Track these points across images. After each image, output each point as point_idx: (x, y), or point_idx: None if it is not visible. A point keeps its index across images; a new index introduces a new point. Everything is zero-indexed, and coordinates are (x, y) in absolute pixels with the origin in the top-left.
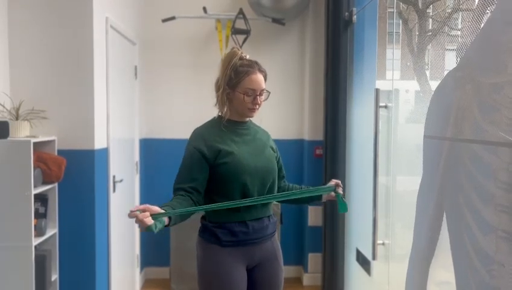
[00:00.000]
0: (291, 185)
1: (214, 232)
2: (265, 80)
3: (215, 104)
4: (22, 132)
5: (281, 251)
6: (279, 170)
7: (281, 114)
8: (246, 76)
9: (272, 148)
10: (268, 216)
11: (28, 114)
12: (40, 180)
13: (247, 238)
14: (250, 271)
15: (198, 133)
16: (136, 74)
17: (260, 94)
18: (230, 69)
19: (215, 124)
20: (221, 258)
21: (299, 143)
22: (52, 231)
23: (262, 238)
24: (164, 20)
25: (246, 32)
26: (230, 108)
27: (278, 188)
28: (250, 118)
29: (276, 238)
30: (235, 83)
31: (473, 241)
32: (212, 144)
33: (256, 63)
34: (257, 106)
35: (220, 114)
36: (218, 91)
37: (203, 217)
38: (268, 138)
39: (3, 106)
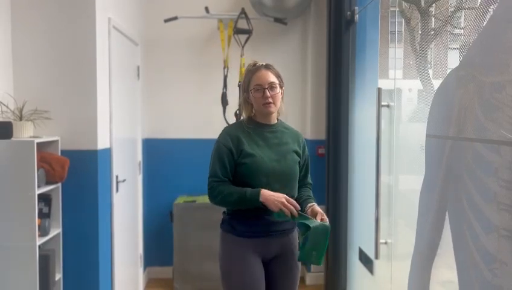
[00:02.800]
0: (303, 196)
1: (231, 223)
2: (277, 76)
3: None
4: (25, 132)
5: (297, 248)
6: (304, 176)
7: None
8: (252, 74)
9: (297, 152)
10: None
11: (31, 114)
12: (44, 181)
13: (261, 230)
14: (267, 264)
15: (226, 131)
16: (138, 74)
17: (269, 88)
18: (244, 76)
19: (239, 125)
20: (234, 246)
21: None
22: (55, 230)
23: (277, 232)
24: (166, 20)
25: (248, 32)
26: (255, 111)
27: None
28: (279, 119)
29: (296, 236)
30: (247, 85)
31: (475, 240)
32: (237, 142)
33: (265, 64)
34: (269, 100)
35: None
36: (240, 99)
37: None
38: (296, 141)
39: (7, 107)
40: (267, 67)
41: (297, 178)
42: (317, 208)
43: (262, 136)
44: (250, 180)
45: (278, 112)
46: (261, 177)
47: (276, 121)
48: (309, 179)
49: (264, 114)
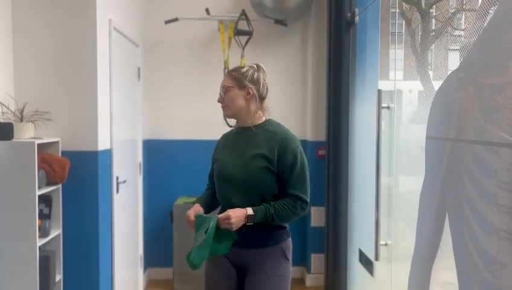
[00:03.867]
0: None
1: None
2: (233, 79)
3: None
4: (26, 133)
5: (277, 267)
6: (286, 185)
7: (283, 115)
8: None
9: (265, 157)
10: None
11: (32, 116)
12: (44, 182)
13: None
14: (242, 273)
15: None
16: (139, 76)
17: (223, 92)
18: None
19: (233, 130)
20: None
21: (301, 144)
22: (56, 231)
23: (246, 244)
24: (167, 22)
25: (249, 34)
26: None
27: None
28: (266, 120)
29: (279, 251)
30: None
31: (475, 241)
32: (216, 148)
33: (230, 69)
34: (222, 104)
35: None
36: None
37: None
38: (268, 145)
39: (8, 108)
40: (229, 72)
41: (266, 186)
42: (230, 212)
43: (239, 140)
44: (217, 186)
45: (256, 112)
46: (222, 183)
47: (256, 123)
48: (293, 190)
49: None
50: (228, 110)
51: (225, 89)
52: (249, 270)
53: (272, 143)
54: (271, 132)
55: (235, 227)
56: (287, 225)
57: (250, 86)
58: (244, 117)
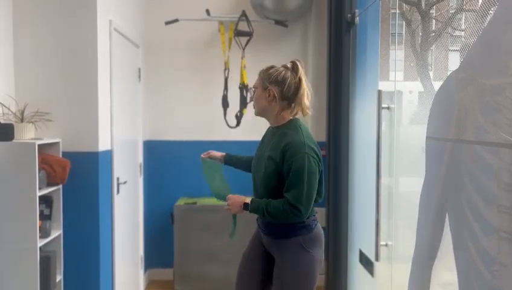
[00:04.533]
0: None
1: None
2: (260, 79)
3: None
4: (26, 134)
5: (295, 257)
6: (285, 189)
7: None
8: None
9: (272, 159)
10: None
11: (32, 116)
12: (45, 182)
13: (259, 223)
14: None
15: None
16: (139, 77)
17: (252, 92)
18: None
19: (269, 127)
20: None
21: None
22: (56, 232)
23: (269, 232)
24: (167, 23)
25: (249, 35)
26: None
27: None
28: (290, 120)
29: (296, 243)
30: None
31: (475, 242)
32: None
33: (264, 68)
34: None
35: None
36: None
37: None
38: (276, 147)
39: (9, 109)
40: (260, 72)
41: (270, 185)
42: (230, 196)
43: (267, 138)
44: None
45: (283, 113)
46: (252, 174)
47: (279, 123)
48: (286, 193)
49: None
50: (255, 109)
51: (253, 89)
52: (275, 255)
53: (279, 147)
54: (284, 135)
55: (230, 209)
56: (306, 220)
57: (272, 86)
58: (268, 116)
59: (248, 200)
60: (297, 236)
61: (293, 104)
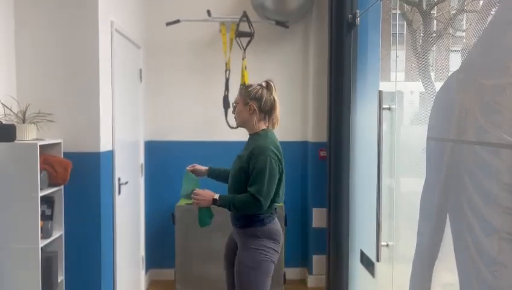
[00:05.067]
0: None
1: None
2: (240, 95)
3: None
4: (28, 134)
5: (249, 243)
6: (250, 182)
7: (284, 116)
8: None
9: (242, 160)
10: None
11: (34, 117)
12: (46, 183)
13: (230, 216)
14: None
15: None
16: (140, 77)
17: (234, 107)
18: None
19: None
20: None
21: (303, 145)
22: (58, 232)
23: (233, 223)
24: (168, 24)
25: (250, 35)
26: None
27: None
28: (260, 131)
29: (251, 232)
30: None
31: (476, 242)
32: None
33: (243, 86)
34: (234, 115)
35: None
36: None
37: None
38: (247, 149)
39: (10, 109)
40: (240, 89)
41: (240, 182)
42: (199, 191)
43: (246, 143)
44: None
45: (256, 123)
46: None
47: (253, 131)
48: (249, 187)
49: None
50: (237, 121)
51: (234, 104)
52: (238, 244)
53: (248, 149)
54: (254, 140)
55: (197, 203)
56: (262, 214)
57: (252, 102)
58: (247, 127)
59: (216, 196)
60: (253, 227)
61: (267, 117)
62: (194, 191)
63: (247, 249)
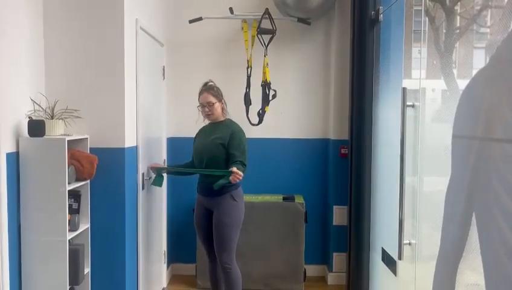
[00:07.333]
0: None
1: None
2: (213, 95)
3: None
4: (57, 130)
5: (228, 206)
6: (230, 155)
7: (306, 113)
8: (199, 95)
9: (222, 139)
10: (211, 182)
11: (62, 113)
12: (74, 177)
13: (202, 190)
14: (211, 213)
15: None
16: (164, 75)
17: (207, 105)
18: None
19: (206, 125)
20: (196, 200)
21: (324, 142)
22: (84, 226)
23: (209, 194)
24: (191, 21)
25: (272, 32)
26: None
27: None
28: (227, 119)
29: (228, 197)
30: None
31: (503, 242)
32: (196, 135)
33: (205, 85)
34: (208, 113)
35: None
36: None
37: None
38: (227, 133)
39: (40, 106)
40: (207, 90)
41: (217, 156)
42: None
43: (209, 130)
44: (194, 156)
45: (222, 114)
46: (198, 154)
47: (220, 120)
48: (239, 159)
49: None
50: (212, 116)
51: (210, 104)
52: (214, 209)
53: (227, 133)
54: (228, 127)
55: (239, 177)
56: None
57: (222, 99)
58: (217, 118)
59: (235, 168)
60: (228, 192)
61: (225, 108)
62: (233, 172)
63: (227, 213)
